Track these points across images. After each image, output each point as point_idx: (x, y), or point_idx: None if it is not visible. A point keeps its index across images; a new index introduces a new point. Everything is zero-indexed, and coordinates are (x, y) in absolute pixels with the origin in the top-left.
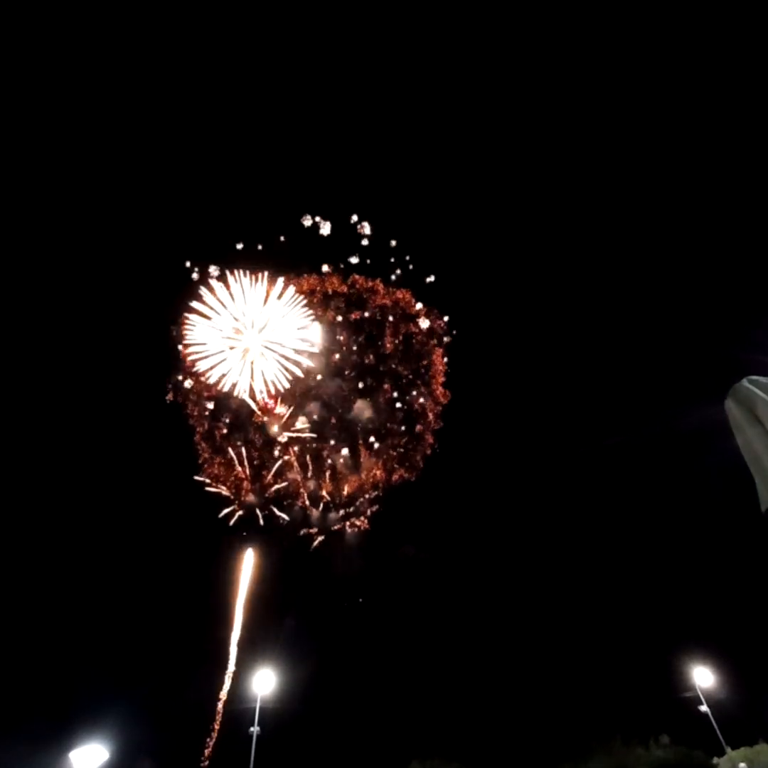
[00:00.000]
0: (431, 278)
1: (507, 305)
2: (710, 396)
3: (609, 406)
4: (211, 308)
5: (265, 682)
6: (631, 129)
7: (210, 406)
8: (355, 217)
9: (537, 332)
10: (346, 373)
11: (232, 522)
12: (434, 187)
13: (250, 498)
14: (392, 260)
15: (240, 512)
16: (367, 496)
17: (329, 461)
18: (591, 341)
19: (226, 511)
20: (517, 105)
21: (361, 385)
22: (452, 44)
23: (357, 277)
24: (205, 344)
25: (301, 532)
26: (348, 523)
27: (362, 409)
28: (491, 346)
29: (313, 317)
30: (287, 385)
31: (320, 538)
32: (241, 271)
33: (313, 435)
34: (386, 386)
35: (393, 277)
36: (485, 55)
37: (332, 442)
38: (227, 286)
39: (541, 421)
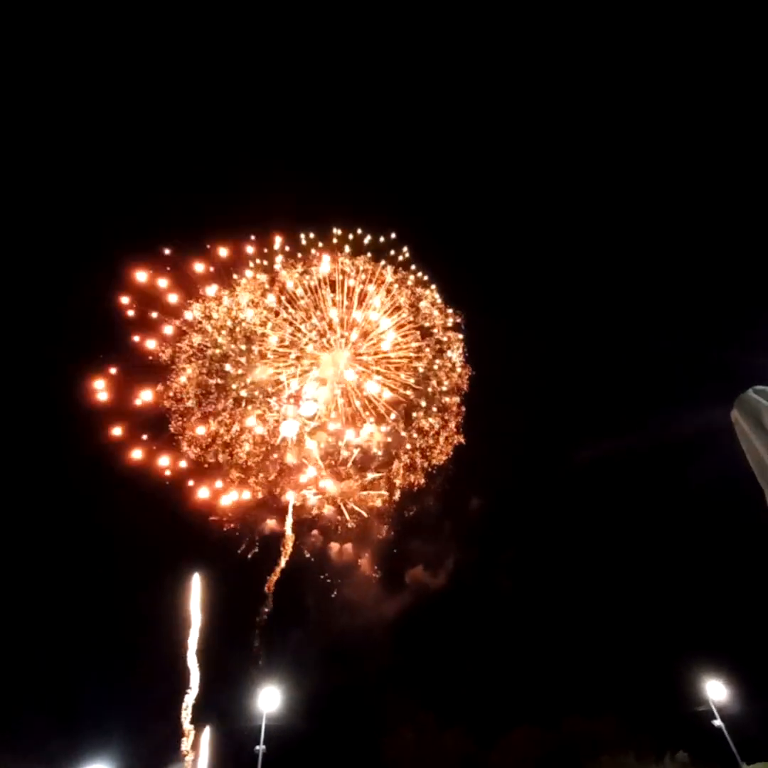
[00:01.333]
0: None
1: (508, 305)
2: (715, 402)
3: (619, 414)
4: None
5: (270, 700)
6: (637, 135)
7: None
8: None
9: (543, 339)
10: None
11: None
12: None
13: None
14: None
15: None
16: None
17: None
18: (594, 349)
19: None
20: (522, 110)
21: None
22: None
23: None
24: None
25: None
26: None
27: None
28: (496, 349)
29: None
30: None
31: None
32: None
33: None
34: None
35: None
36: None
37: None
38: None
39: (551, 431)
